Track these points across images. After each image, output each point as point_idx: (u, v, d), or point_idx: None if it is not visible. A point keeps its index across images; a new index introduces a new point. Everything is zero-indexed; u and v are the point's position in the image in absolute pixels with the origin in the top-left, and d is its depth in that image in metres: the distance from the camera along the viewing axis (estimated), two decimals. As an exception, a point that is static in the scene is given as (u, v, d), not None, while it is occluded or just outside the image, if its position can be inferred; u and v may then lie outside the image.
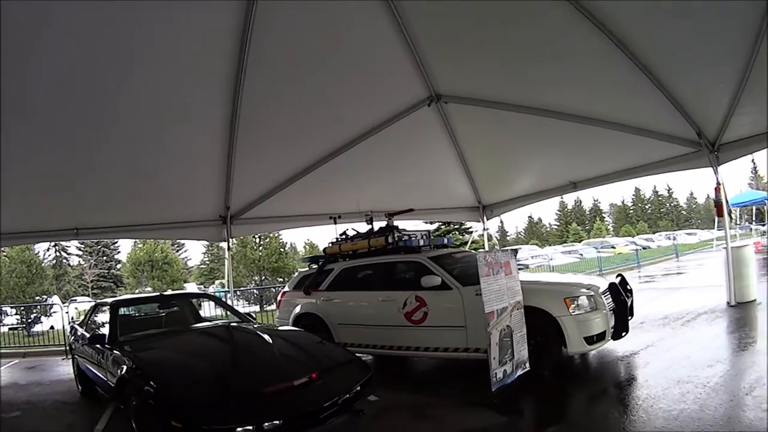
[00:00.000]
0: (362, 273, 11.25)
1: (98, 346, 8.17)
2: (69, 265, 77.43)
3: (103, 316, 9.52)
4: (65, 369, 13.79)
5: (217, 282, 65.14)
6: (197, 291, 42.73)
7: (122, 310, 9.54)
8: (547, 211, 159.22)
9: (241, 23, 9.52)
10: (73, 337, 11.00)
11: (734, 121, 11.77)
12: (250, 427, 5.43)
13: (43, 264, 42.66)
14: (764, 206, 39.06)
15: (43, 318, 26.94)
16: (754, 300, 12.85)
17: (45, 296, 36.04)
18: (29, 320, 26.47)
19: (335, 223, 12.84)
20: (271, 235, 41.39)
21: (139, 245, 59.30)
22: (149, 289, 52.53)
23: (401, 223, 11.79)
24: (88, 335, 9.04)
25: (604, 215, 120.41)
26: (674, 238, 59.10)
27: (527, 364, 8.09)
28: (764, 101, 10.49)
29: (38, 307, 29.12)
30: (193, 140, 12.34)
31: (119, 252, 78.97)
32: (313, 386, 6.27)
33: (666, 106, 11.50)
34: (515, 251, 8.86)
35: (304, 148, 13.87)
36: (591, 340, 8.34)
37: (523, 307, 8.22)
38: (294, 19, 9.74)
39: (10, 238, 13.71)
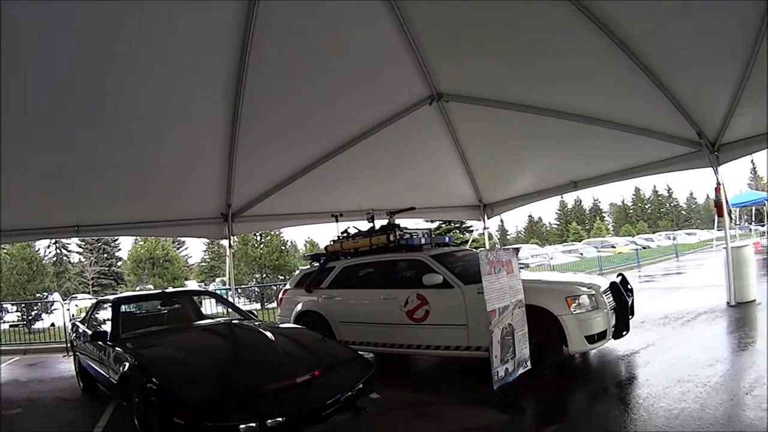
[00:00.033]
0: (364, 271, 11.26)
1: (100, 343, 8.16)
2: (69, 262, 77.33)
3: (105, 313, 9.55)
4: (66, 366, 13.80)
5: (218, 279, 65.17)
6: (199, 288, 42.63)
7: (124, 307, 9.57)
8: (547, 210, 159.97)
9: (242, 23, 9.54)
10: (74, 334, 11.00)
11: (734, 122, 11.79)
12: (254, 424, 5.41)
13: (43, 261, 42.54)
14: (764, 207, 38.98)
15: (43, 315, 27.02)
16: (754, 300, 12.87)
17: (46, 293, 36.12)
18: (30, 317, 26.53)
19: (337, 221, 12.85)
20: (272, 233, 41.41)
21: (140, 243, 59.30)
22: (150, 286, 52.55)
23: (402, 222, 11.80)
24: (90, 332, 9.05)
25: (604, 215, 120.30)
26: (674, 238, 59.10)
27: (528, 363, 8.11)
28: (764, 101, 10.51)
29: (39, 304, 29.12)
30: (194, 139, 12.36)
31: (120, 249, 79.04)
32: (315, 384, 6.27)
33: (667, 106, 11.51)
34: (517, 250, 8.88)
35: (306, 147, 13.88)
36: (592, 339, 8.36)
37: (525, 306, 8.23)
38: (295, 19, 9.76)
39: (11, 235, 13.71)
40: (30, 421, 8.99)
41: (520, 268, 8.64)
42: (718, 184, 13.01)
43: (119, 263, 75.93)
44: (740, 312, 12.11)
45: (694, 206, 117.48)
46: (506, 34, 10.55)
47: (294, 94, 11.72)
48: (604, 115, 12.54)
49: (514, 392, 7.61)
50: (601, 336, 8.48)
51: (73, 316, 18.06)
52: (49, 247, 70.92)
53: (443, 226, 43.69)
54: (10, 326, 24.58)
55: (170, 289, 17.62)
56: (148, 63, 9.80)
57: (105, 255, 76.88)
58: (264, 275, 40.27)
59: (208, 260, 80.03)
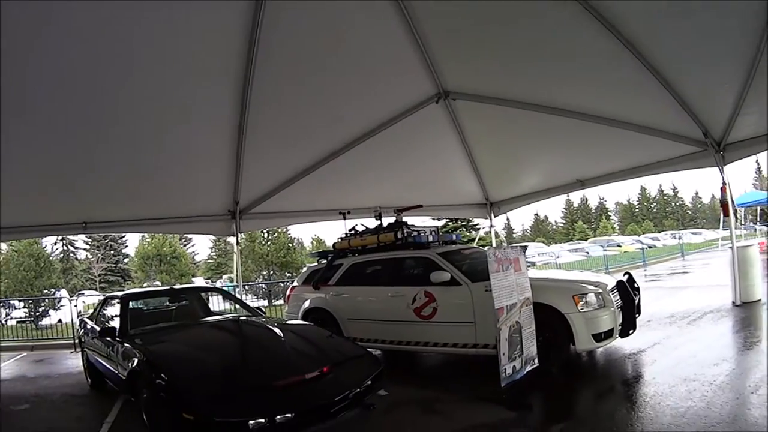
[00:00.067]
0: (371, 268, 11.30)
1: (109, 338, 8.20)
2: (76, 259, 77.51)
3: (113, 310, 9.58)
4: (73, 362, 13.90)
5: (224, 276, 65.12)
6: (207, 285, 42.62)
7: (132, 304, 9.62)
8: (553, 209, 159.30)
9: (249, 23, 9.58)
10: (82, 330, 11.05)
11: (740, 122, 11.80)
12: (263, 420, 5.43)
13: (50, 258, 42.60)
14: None
15: (50, 311, 27.06)
16: (759, 300, 12.85)
17: (53, 290, 36.13)
18: (37, 314, 26.60)
19: (345, 218, 12.83)
20: (280, 230, 41.38)
21: (147, 240, 59.47)
22: (158, 283, 52.60)
23: (409, 219, 11.82)
24: (98, 328, 9.09)
25: (609, 214, 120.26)
26: (680, 238, 58.93)
27: (536, 361, 8.10)
28: (765, 102, 10.54)
29: (46, 300, 29.21)
30: (201, 137, 12.40)
31: (126, 246, 79.52)
32: (324, 380, 6.29)
33: (673, 106, 11.53)
34: (524, 248, 8.89)
35: (313, 146, 13.93)
36: (599, 337, 8.35)
37: (532, 304, 8.24)
38: (303, 19, 9.81)
39: (18, 232, 13.77)
40: (38, 416, 9.02)
41: (528, 266, 8.65)
42: (724, 183, 13.02)
43: (126, 260, 76.20)
44: (746, 312, 12.10)
45: (699, 206, 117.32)
46: (513, 34, 10.56)
47: (301, 93, 11.75)
48: (611, 114, 12.55)
49: (521, 390, 7.61)
50: (608, 334, 8.47)
51: (80, 312, 18.10)
52: (56, 243, 70.95)
53: (450, 224, 43.68)
54: (18, 322, 24.57)
55: (178, 286, 17.56)
56: (150, 63, 9.85)
57: (112, 252, 77.10)
58: (271, 272, 40.24)
59: (214, 257, 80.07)
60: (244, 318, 9.39)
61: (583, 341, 8.31)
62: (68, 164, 11.57)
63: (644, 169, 14.87)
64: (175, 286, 15.11)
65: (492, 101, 12.79)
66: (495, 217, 19.14)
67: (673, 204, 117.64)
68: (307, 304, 11.79)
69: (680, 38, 9.83)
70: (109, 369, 8.33)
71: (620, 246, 55.40)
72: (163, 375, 6.17)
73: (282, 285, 29.77)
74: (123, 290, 31.30)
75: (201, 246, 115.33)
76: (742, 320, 11.34)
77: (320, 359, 6.78)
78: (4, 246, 37.95)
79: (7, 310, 26.24)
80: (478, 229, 32.74)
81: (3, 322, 24.81)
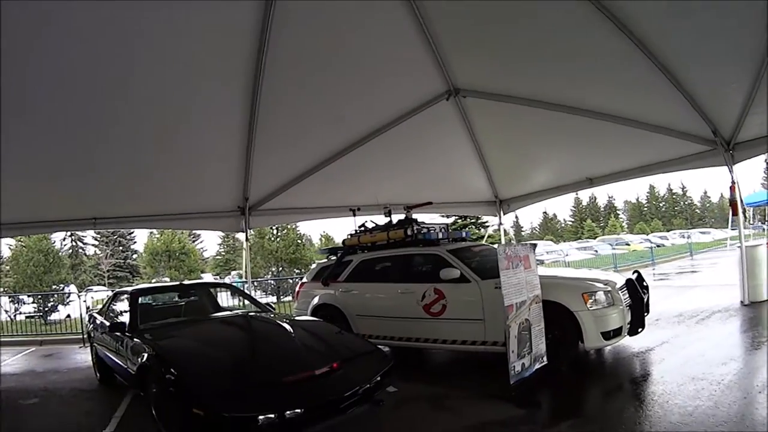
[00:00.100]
0: (381, 265, 11.29)
1: (118, 333, 8.22)
2: (85, 254, 77.75)
3: (122, 305, 9.61)
4: (82, 357, 13.96)
5: (233, 272, 65.36)
6: (216, 281, 42.68)
7: (142, 299, 9.59)
8: (561, 207, 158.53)
9: (260, 23, 9.65)
10: (91, 325, 11.06)
11: (749, 121, 11.77)
12: (272, 416, 5.45)
13: (60, 253, 42.76)
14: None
15: (59, 306, 27.12)
16: (767, 300, 12.83)
17: (62, 285, 36.30)
18: (46, 309, 26.67)
19: (354, 215, 12.81)
20: (289, 226, 41.33)
21: (156, 236, 59.49)
22: (166, 278, 52.67)
23: (419, 217, 11.82)
24: (107, 323, 9.13)
25: (618, 212, 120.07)
26: (688, 237, 58.78)
27: (545, 358, 8.12)
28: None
29: (55, 295, 29.26)
30: (212, 134, 12.43)
31: (135, 242, 79.62)
32: (334, 376, 6.31)
33: (683, 105, 11.51)
34: (534, 245, 8.89)
35: (323, 143, 13.96)
36: (608, 335, 8.34)
37: (541, 301, 8.25)
38: (312, 19, 9.88)
39: (28, 227, 13.91)
40: (47, 410, 9.04)
41: (537, 263, 8.65)
42: (733, 182, 12.99)
43: (135, 256, 76.35)
44: (754, 311, 12.08)
45: (708, 205, 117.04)
46: (526, 32, 10.57)
47: (309, 91, 11.81)
48: (621, 113, 12.53)
49: (530, 387, 7.64)
50: (617, 332, 8.45)
51: (88, 307, 18.12)
52: (65, 239, 71.38)
53: (459, 221, 43.66)
54: (27, 317, 24.68)
55: (187, 282, 17.59)
56: (150, 63, 9.90)
57: (120, 248, 77.25)
58: (280, 269, 40.23)
59: (223, 253, 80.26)
60: (253, 314, 9.38)
61: (592, 339, 8.30)
62: (76, 163, 11.64)
63: (653, 168, 14.85)
64: (184, 282, 15.12)
65: (502, 98, 12.80)
66: (504, 214, 19.13)
67: (681, 203, 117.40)
68: (316, 300, 11.80)
69: (691, 38, 9.81)
70: (118, 364, 8.35)
71: (629, 245, 55.14)
72: (172, 370, 6.20)
73: (291, 281, 29.85)
74: (131, 285, 31.41)
75: (210, 242, 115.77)
76: (750, 320, 11.32)
77: (330, 355, 6.79)
78: (13, 241, 38.08)
79: (17, 305, 26.30)
80: (487, 226, 32.70)
81: (12, 317, 24.88)
